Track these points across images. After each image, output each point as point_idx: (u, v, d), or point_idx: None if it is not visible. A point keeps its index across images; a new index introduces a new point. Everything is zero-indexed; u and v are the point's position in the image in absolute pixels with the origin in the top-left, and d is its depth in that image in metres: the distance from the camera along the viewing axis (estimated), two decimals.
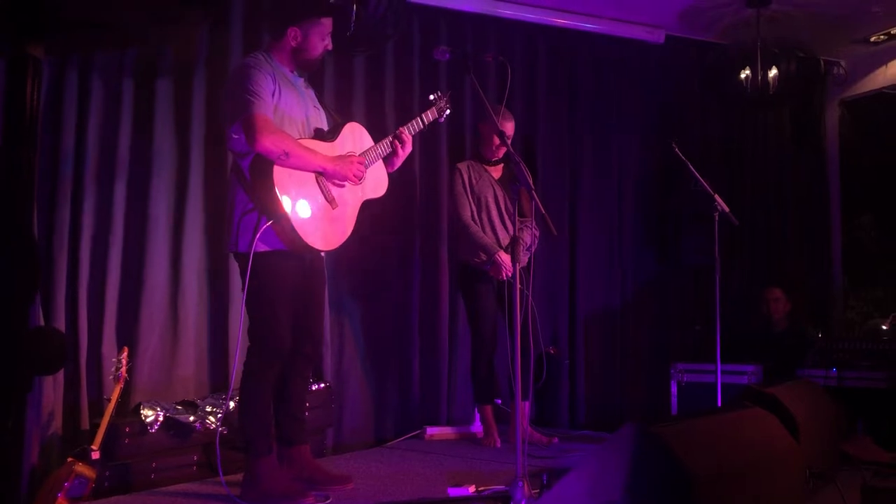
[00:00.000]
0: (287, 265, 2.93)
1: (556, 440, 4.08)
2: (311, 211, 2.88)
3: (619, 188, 5.26)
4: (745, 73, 4.86)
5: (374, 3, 3.58)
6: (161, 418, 3.32)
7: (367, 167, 3.08)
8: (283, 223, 2.80)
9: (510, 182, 3.96)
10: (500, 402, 4.31)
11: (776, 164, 5.82)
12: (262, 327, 2.92)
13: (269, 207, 2.79)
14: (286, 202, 2.79)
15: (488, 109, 3.02)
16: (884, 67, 5.64)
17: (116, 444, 3.19)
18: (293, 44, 2.99)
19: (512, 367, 2.78)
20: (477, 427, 4.29)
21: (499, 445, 4.04)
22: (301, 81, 3.10)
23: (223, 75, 4.02)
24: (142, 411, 3.31)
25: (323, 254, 3.15)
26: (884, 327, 4.72)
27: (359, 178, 3.03)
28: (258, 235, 2.80)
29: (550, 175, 4.99)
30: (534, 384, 4.09)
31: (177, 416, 3.36)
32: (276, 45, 3.01)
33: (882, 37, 5.36)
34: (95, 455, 2.98)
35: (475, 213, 4.07)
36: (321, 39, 3.02)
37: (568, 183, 5.10)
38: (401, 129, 3.22)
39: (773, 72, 4.85)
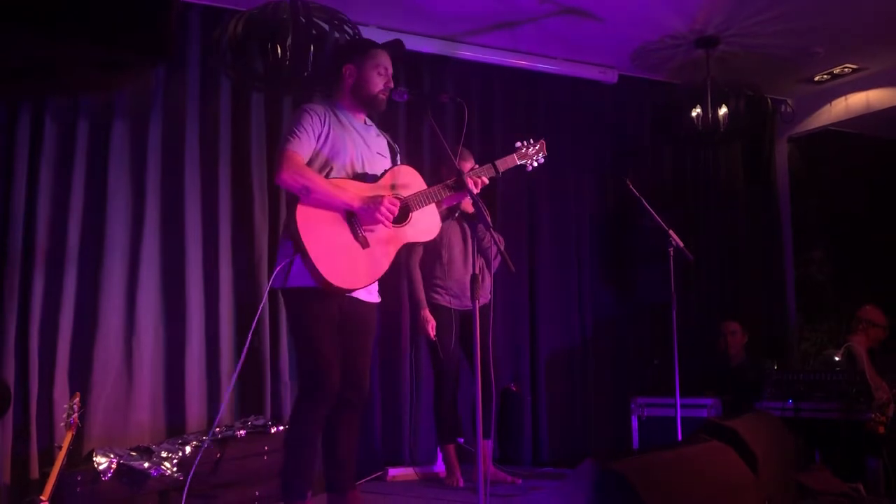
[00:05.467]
0: (324, 305, 2.88)
1: (519, 481, 4.04)
2: (333, 247, 2.82)
3: (576, 225, 5.32)
4: (695, 112, 4.99)
5: (331, 44, 3.62)
6: (114, 465, 3.23)
7: (412, 210, 2.98)
8: (304, 257, 2.78)
9: (470, 220, 3.98)
10: (462, 441, 4.28)
11: (729, 199, 5.95)
12: (309, 368, 2.88)
13: (294, 241, 2.79)
14: (307, 236, 2.77)
15: (447, 151, 3.03)
16: (829, 105, 5.85)
17: (67, 493, 3.10)
18: (350, 81, 3.02)
19: (475, 404, 2.76)
20: (440, 467, 4.24)
21: (462, 485, 4.00)
22: (371, 130, 3.11)
23: (179, 115, 4.01)
24: (94, 458, 3.22)
25: (375, 302, 3.13)
26: (836, 358, 4.80)
27: (388, 219, 2.87)
28: (292, 270, 2.81)
29: (508, 213, 5.04)
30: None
31: (131, 463, 3.27)
32: (338, 91, 3.06)
33: (826, 76, 5.57)
34: None
35: (439, 256, 4.05)
36: (378, 74, 3.01)
37: (526, 221, 5.14)
38: (467, 177, 2.99)
39: (723, 110, 4.98)
